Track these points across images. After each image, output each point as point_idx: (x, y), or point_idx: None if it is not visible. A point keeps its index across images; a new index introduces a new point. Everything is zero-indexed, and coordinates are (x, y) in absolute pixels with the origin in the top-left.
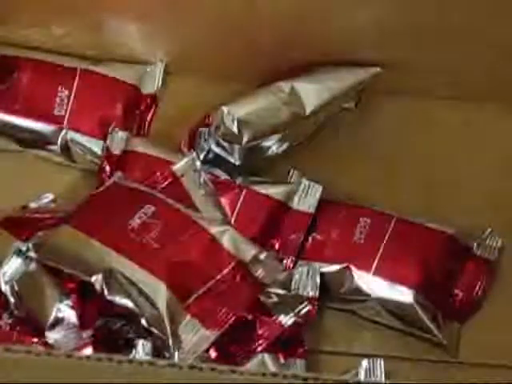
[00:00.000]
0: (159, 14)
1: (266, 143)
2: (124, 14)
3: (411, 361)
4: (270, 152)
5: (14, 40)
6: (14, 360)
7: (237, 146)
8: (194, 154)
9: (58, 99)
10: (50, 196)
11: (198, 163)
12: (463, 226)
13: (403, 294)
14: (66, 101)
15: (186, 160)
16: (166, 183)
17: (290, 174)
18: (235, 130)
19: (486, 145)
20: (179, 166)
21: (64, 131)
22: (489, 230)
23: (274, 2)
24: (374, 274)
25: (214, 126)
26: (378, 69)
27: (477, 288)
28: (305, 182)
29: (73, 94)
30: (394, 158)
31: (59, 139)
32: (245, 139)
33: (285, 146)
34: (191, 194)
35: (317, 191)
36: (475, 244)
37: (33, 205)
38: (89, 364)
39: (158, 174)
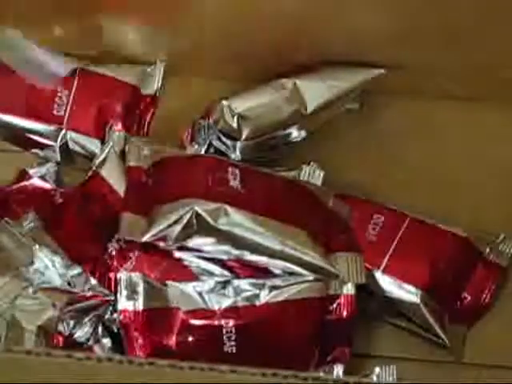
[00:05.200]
0: (160, 15)
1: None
2: (124, 14)
3: (415, 361)
4: (271, 148)
5: None
6: (14, 360)
7: (236, 141)
8: (196, 146)
9: (57, 99)
10: (53, 165)
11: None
12: (463, 225)
13: (410, 294)
14: (65, 101)
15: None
16: None
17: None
18: (235, 124)
19: (488, 145)
20: None
21: (63, 131)
22: (502, 235)
23: (276, 2)
24: (383, 271)
25: (212, 119)
26: (382, 70)
27: (486, 293)
28: (306, 167)
29: (72, 94)
30: (397, 157)
31: (59, 139)
32: (244, 135)
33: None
34: None
35: (319, 176)
36: (488, 249)
37: (32, 171)
38: (89, 364)
39: None
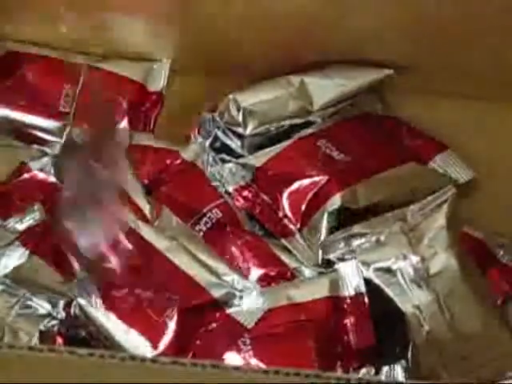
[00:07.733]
0: (166, 12)
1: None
2: (130, 11)
3: None
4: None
5: (20, 36)
6: (17, 356)
7: (241, 136)
8: (201, 138)
9: (63, 96)
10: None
11: (207, 146)
12: (474, 223)
13: None
14: (71, 97)
15: (194, 145)
16: (177, 169)
17: None
18: (240, 118)
19: (498, 145)
20: (189, 151)
21: (69, 128)
22: None
23: (284, 0)
24: None
25: (218, 113)
26: (391, 70)
27: (498, 295)
28: None
29: (78, 91)
30: None
31: (64, 136)
32: (249, 129)
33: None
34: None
35: None
36: (502, 251)
37: (31, 164)
38: (91, 360)
39: (168, 161)
